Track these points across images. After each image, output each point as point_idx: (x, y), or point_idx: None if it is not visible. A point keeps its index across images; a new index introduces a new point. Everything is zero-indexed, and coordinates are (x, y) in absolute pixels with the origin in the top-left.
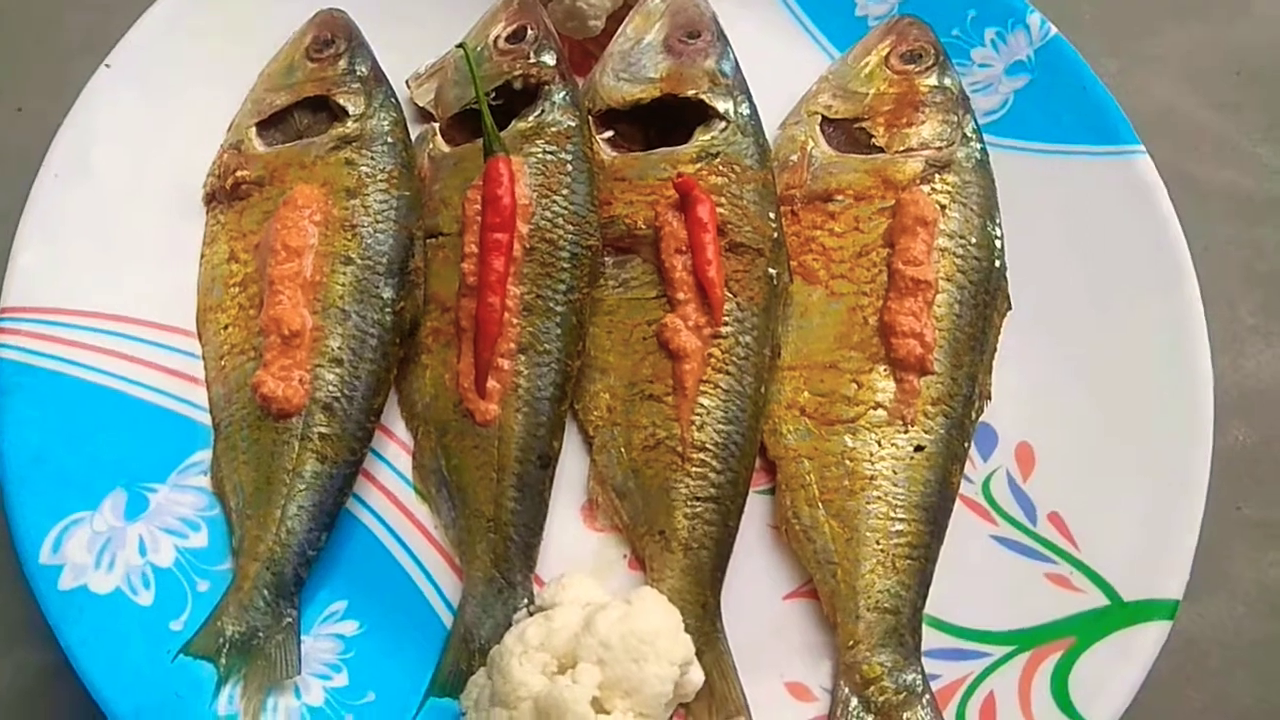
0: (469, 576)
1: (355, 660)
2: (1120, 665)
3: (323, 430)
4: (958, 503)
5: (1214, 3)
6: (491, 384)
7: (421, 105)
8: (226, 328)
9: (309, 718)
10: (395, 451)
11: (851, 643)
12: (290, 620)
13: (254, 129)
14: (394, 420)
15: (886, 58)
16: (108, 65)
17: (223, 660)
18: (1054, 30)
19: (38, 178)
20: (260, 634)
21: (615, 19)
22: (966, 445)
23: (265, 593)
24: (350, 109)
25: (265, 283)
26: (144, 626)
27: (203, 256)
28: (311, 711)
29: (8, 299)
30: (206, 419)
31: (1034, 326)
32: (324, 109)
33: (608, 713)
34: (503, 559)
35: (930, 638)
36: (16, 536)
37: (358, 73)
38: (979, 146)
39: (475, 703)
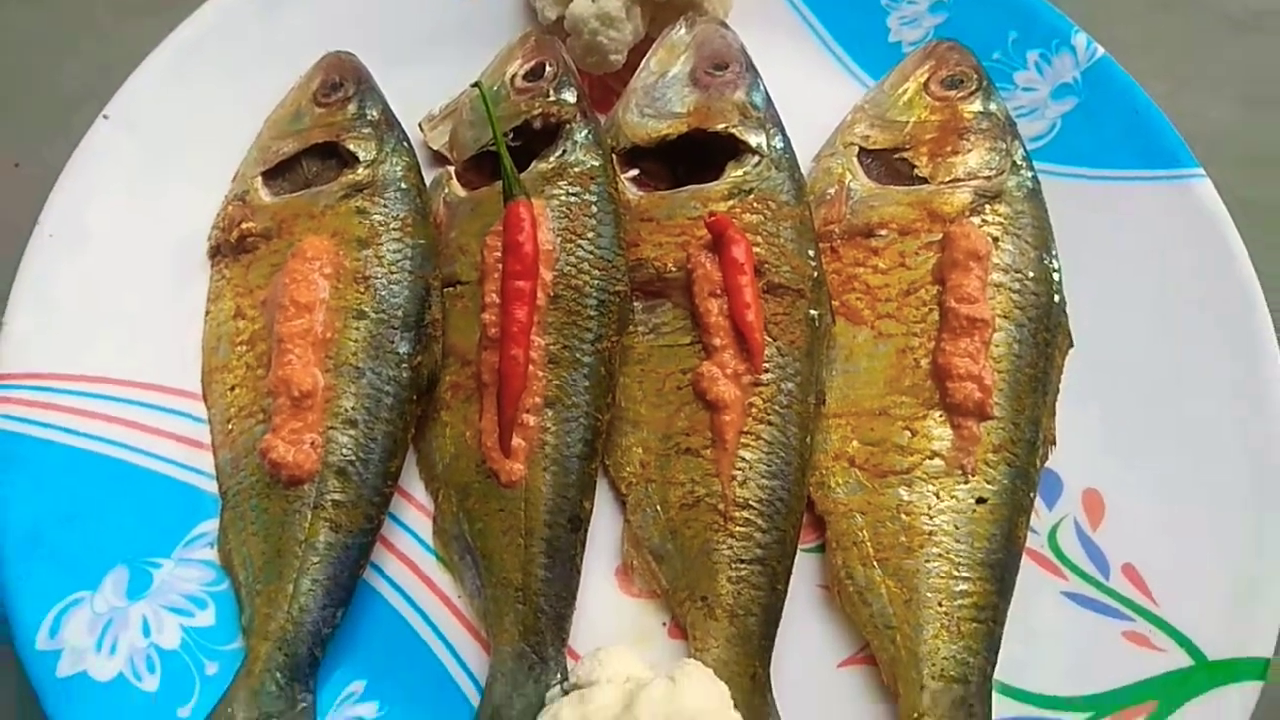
0: (496, 650)
1: None
2: None
3: (336, 497)
4: (1024, 557)
5: (1261, 17)
6: (516, 442)
7: (435, 149)
8: (233, 389)
9: None
10: (414, 516)
11: (915, 715)
12: (305, 705)
13: (260, 179)
14: (413, 482)
15: (926, 84)
16: (106, 116)
17: None
18: (1101, 51)
19: (32, 237)
20: None
21: (637, 52)
22: (1032, 495)
23: (278, 676)
24: (361, 155)
25: (274, 341)
26: (149, 714)
27: (207, 314)
28: None
29: (1, 365)
30: (213, 487)
31: (1097, 364)
32: (333, 156)
33: None
34: (533, 631)
35: (1001, 706)
36: (13, 620)
37: (368, 117)
38: (1030, 174)
39: None
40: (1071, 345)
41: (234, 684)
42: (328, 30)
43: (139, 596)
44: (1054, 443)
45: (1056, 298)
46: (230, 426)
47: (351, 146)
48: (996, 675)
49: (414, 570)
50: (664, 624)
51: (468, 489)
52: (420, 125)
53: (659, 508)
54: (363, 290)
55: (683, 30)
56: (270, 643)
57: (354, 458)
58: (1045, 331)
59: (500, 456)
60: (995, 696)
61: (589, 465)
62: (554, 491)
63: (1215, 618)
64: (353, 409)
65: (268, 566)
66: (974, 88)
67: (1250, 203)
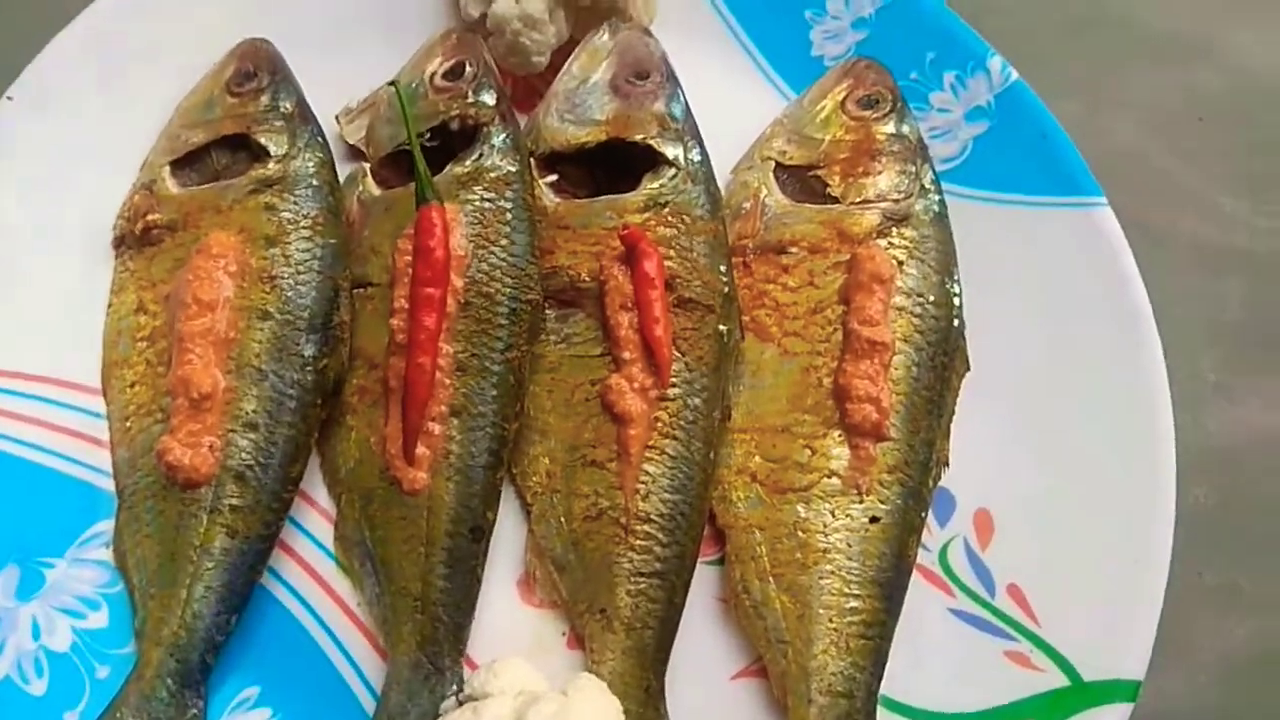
0: (393, 660)
1: None
2: None
3: (234, 502)
4: (914, 573)
5: (1177, 46)
6: (421, 450)
7: (351, 143)
8: (133, 385)
9: None
10: (315, 520)
11: None
12: (196, 712)
13: (168, 168)
14: (315, 485)
15: (843, 102)
16: (9, 98)
17: None
18: (1015, 75)
19: None
20: None
21: (561, 53)
22: (924, 515)
23: (169, 682)
24: (272, 149)
25: (174, 339)
26: (35, 719)
27: (109, 306)
28: None
29: None
30: (110, 485)
31: (992, 387)
32: (244, 148)
33: None
34: (430, 641)
35: None
36: None
37: (281, 109)
38: (937, 199)
39: None
40: (969, 369)
41: (124, 689)
42: (245, 13)
43: (30, 597)
44: (947, 464)
45: (956, 322)
46: (129, 424)
47: (262, 140)
48: (883, 689)
49: (312, 575)
50: (563, 634)
51: (370, 495)
52: (337, 118)
53: (563, 519)
54: (268, 290)
55: (606, 36)
56: (162, 648)
57: (254, 462)
58: (943, 355)
59: (404, 464)
60: (880, 711)
61: (494, 475)
62: (457, 501)
63: (1091, 640)
64: (254, 412)
65: (162, 570)
66: (888, 109)
67: (1149, 226)
